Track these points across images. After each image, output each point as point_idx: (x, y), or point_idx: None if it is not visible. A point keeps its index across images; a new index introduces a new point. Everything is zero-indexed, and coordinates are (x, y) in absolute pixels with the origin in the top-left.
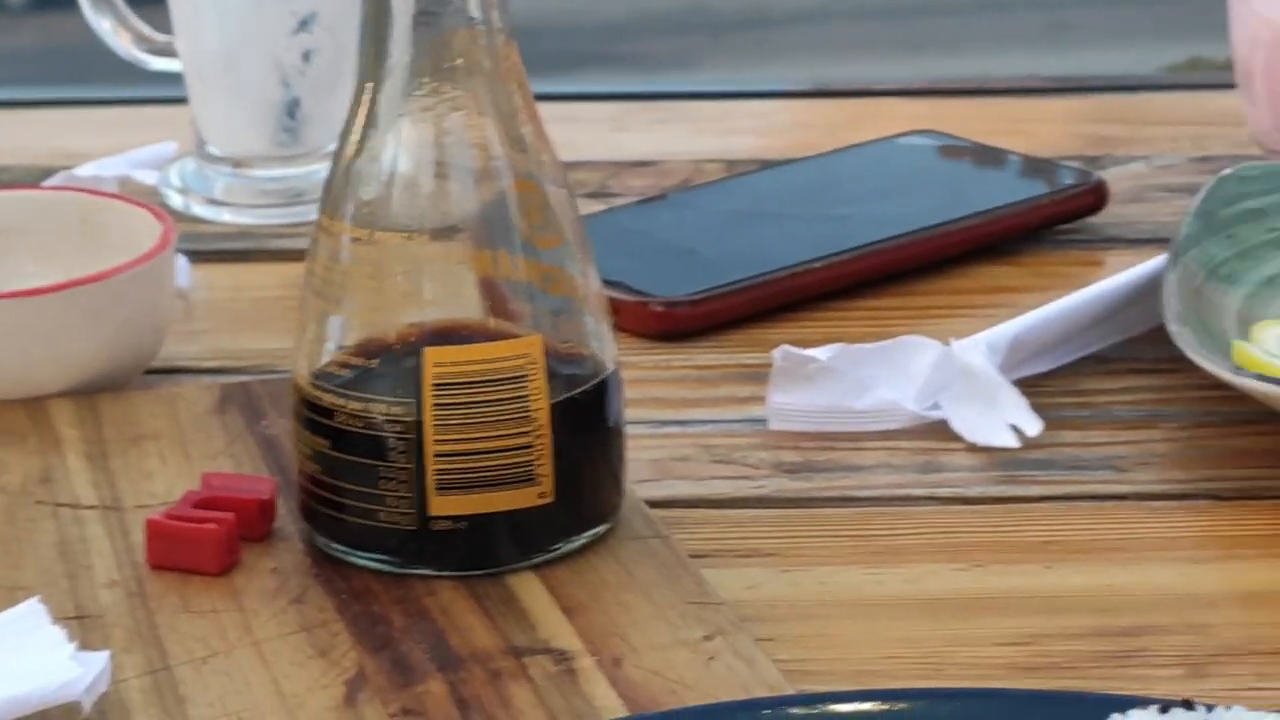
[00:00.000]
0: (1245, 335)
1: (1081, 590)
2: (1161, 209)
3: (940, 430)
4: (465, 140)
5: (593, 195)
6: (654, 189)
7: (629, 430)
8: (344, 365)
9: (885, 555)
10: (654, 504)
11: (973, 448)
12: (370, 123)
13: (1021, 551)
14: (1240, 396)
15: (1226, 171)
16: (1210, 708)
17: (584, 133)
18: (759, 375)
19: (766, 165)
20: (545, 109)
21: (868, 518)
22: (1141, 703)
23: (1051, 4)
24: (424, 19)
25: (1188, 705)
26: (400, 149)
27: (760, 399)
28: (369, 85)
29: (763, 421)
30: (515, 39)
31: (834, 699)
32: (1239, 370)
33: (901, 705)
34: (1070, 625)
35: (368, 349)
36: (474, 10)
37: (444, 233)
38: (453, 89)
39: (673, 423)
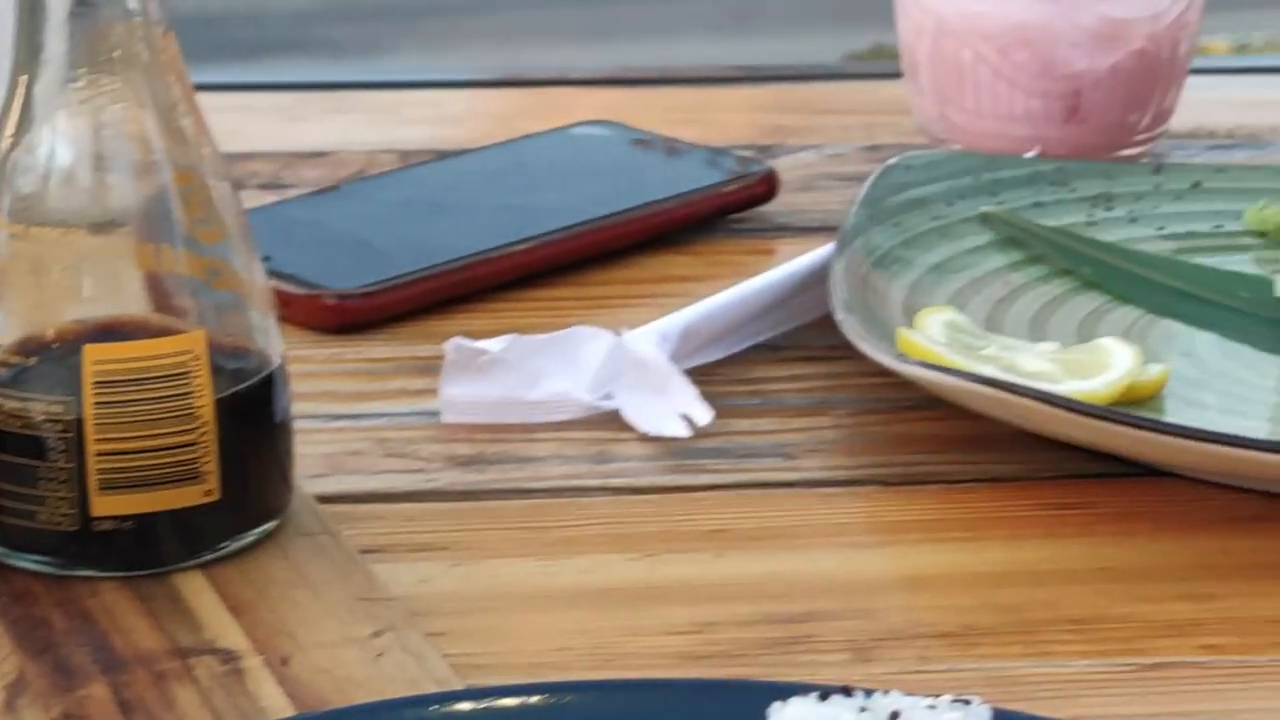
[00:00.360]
0: (910, 323)
1: (751, 577)
2: (831, 198)
3: (613, 420)
4: (124, 133)
5: (265, 187)
6: (328, 180)
7: (300, 425)
8: (2, 364)
9: (558, 547)
10: (325, 499)
11: (645, 437)
12: (26, 116)
13: (692, 540)
14: (905, 383)
15: (892, 161)
16: (869, 693)
17: (258, 123)
18: (432, 368)
19: (442, 156)
20: (219, 99)
21: (540, 509)
22: (802, 690)
23: None
24: (80, 10)
25: (846, 692)
26: (57, 142)
27: (433, 391)
28: (24, 78)
29: (435, 414)
30: (174, 30)
31: (502, 693)
32: (903, 357)
33: (569, 698)
34: (739, 613)
35: (26, 347)
36: (131, 3)
37: (104, 227)
38: (111, 81)
39: (345, 417)
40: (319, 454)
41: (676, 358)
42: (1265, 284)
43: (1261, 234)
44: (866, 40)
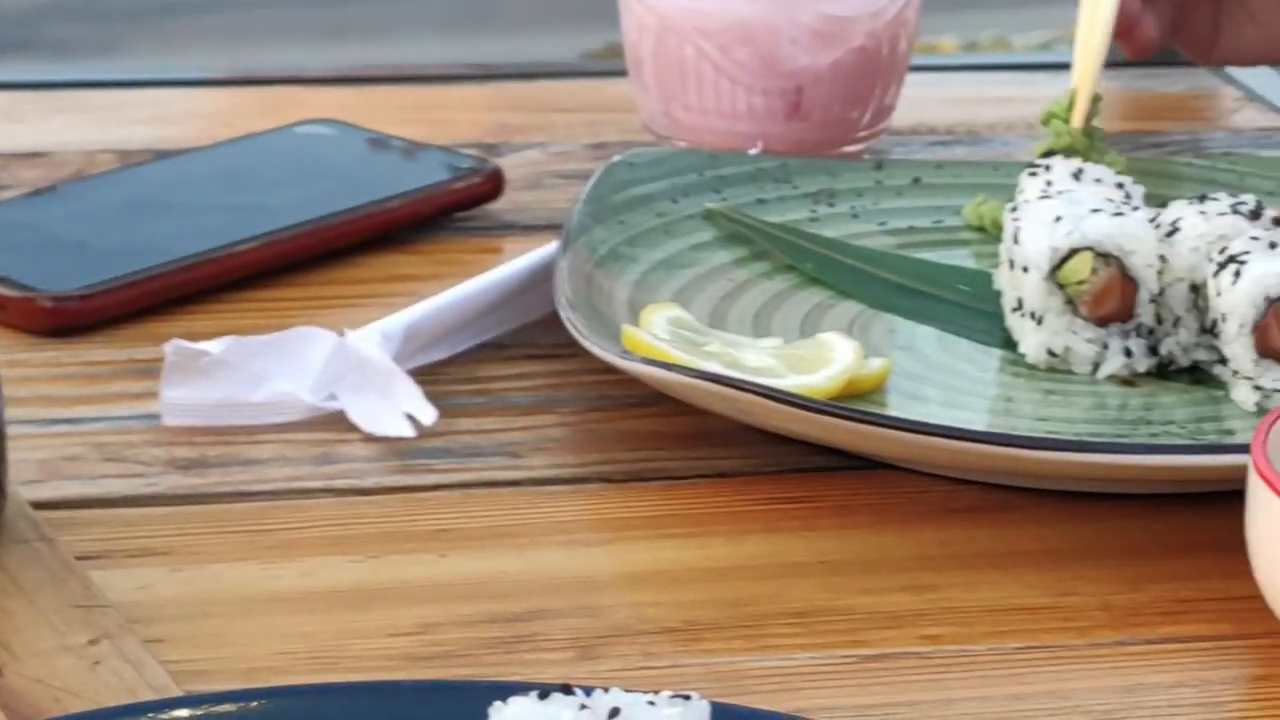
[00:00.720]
0: (635, 320)
1: (475, 577)
2: (557, 196)
3: (337, 421)
4: None
5: None
6: (44, 181)
7: (15, 430)
8: None
9: (281, 550)
10: (42, 505)
11: (370, 438)
12: None
13: (417, 541)
14: (631, 380)
15: (616, 158)
16: (589, 691)
17: None
18: (152, 370)
19: (161, 155)
20: None
21: (263, 512)
22: (523, 689)
23: None
24: None
25: (566, 690)
26: None
27: (153, 394)
28: None
29: (156, 417)
30: None
31: (220, 699)
32: (627, 354)
33: (288, 702)
34: (464, 613)
35: None
36: None
37: None
38: None
39: (62, 421)
40: (35, 459)
41: (400, 358)
42: (984, 278)
43: (979, 229)
44: (602, 39)
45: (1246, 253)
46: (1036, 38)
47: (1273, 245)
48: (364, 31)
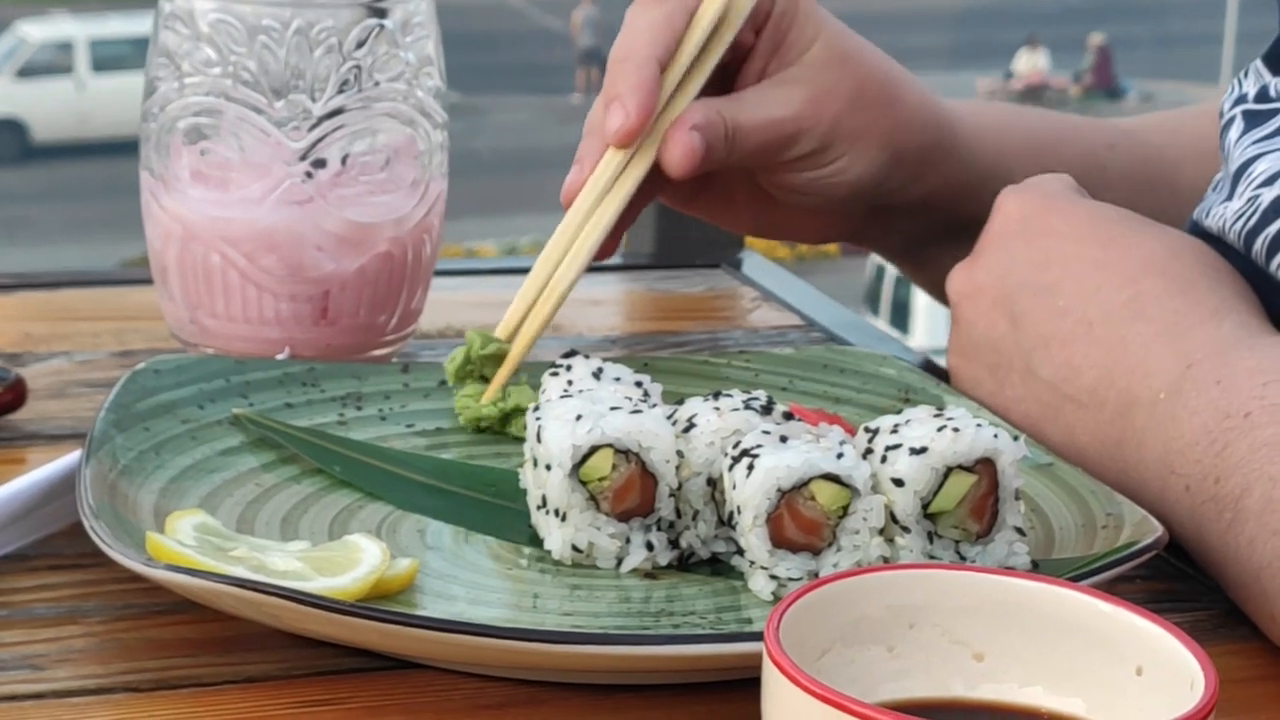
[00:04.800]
0: (161, 528)
1: None
2: (83, 404)
3: None
4: None
5: None
6: None
7: None
8: None
9: None
10: None
11: None
12: None
13: None
14: (158, 588)
15: (140, 366)
16: None
17: None
18: None
19: None
20: None
21: None
22: None
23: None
24: None
25: None
26: None
27: None
28: None
29: None
30: None
31: None
32: (151, 561)
33: None
34: None
35: None
36: None
37: None
38: None
39: None
40: None
41: None
42: (510, 476)
43: (479, 429)
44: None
45: (759, 446)
46: None
47: (784, 439)
48: None
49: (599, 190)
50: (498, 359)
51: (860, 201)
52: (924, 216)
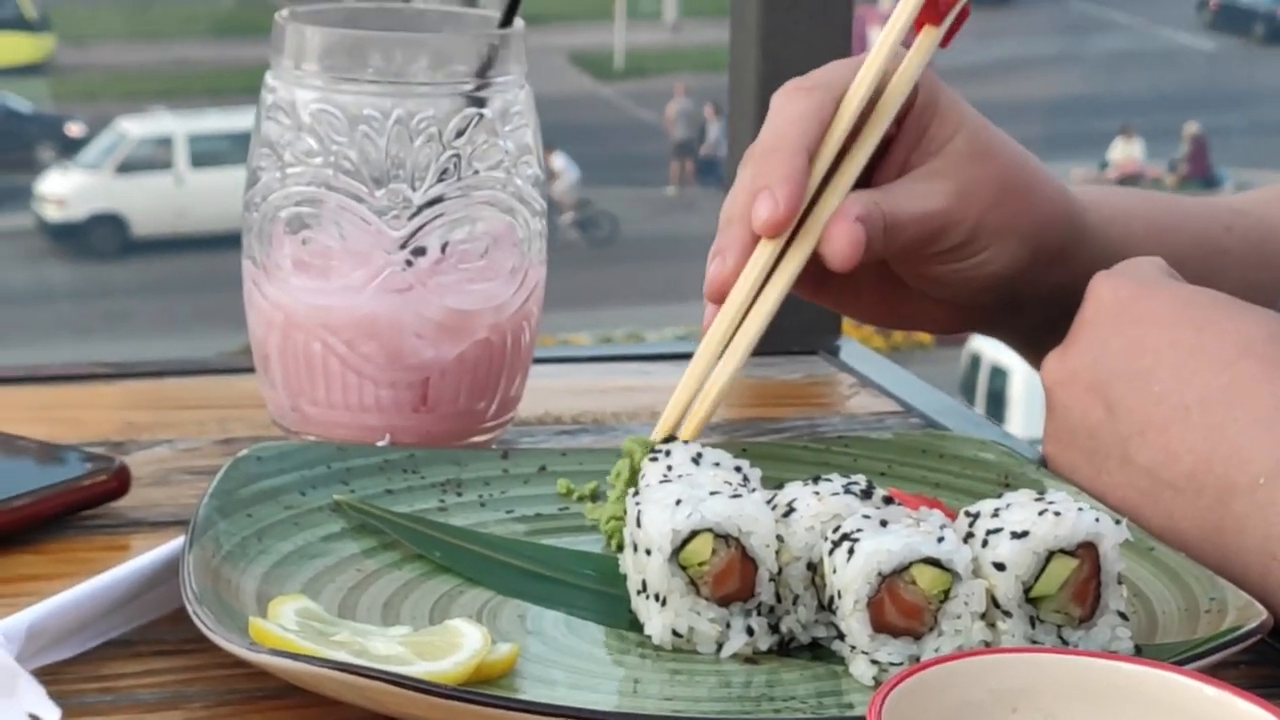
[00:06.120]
0: (264, 613)
1: None
2: (185, 491)
3: None
4: None
5: None
6: None
7: None
8: None
9: None
10: None
11: None
12: None
13: None
14: (260, 673)
15: (243, 452)
16: None
17: None
18: None
19: None
20: None
21: None
22: None
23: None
24: None
25: None
26: None
27: None
28: None
29: None
30: None
31: None
32: (254, 646)
33: None
34: None
35: None
36: None
37: None
38: None
39: None
40: None
41: (23, 657)
42: (610, 562)
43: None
44: (239, 340)
45: (859, 530)
46: (670, 332)
47: (884, 523)
48: None
49: (750, 283)
50: None
51: (996, 293)
52: (1054, 305)
